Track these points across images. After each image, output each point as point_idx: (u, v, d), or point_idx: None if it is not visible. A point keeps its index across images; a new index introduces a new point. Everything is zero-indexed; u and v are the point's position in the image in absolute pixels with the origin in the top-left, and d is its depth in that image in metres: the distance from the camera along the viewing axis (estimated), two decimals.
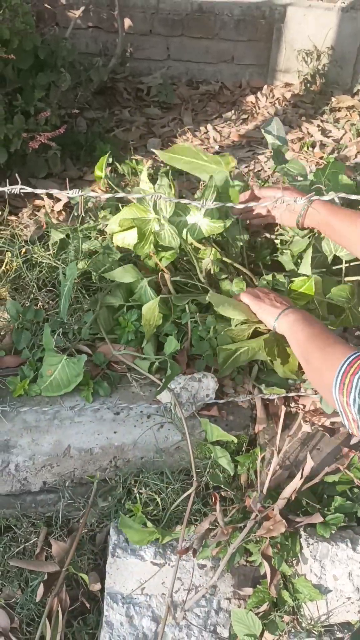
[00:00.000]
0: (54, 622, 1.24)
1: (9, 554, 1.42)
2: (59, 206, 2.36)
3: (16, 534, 1.46)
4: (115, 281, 1.66)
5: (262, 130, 1.93)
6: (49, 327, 1.54)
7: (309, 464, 1.34)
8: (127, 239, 1.70)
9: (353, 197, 1.32)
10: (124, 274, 1.64)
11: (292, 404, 1.56)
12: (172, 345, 1.53)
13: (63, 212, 2.33)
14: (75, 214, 2.10)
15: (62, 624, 1.24)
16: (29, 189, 1.09)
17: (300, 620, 1.34)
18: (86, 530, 1.46)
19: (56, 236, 1.90)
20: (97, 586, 1.34)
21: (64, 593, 1.26)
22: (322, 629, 1.31)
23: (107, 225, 1.98)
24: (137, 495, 1.45)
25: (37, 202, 2.39)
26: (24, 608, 1.37)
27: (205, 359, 1.56)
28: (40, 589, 1.28)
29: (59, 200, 2.40)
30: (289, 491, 1.33)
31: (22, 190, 1.06)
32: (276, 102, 3.13)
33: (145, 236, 1.58)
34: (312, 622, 1.32)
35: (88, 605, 1.35)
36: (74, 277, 1.59)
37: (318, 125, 2.96)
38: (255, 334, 1.50)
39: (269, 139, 1.89)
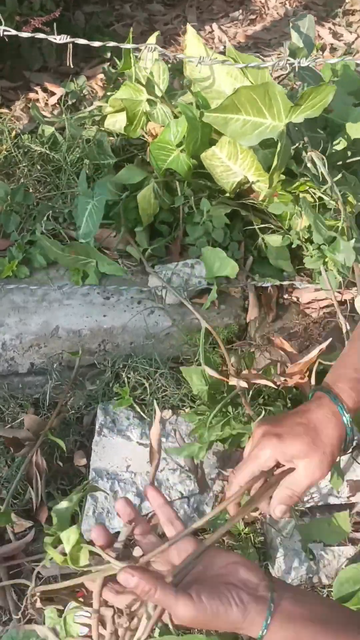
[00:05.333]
0: (35, 485, 1.27)
1: None
2: (53, 100, 2.26)
3: (3, 414, 1.46)
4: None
5: (290, 24, 1.76)
6: (85, 172, 1.53)
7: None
8: (119, 122, 1.62)
9: None
10: (131, 175, 1.56)
11: (286, 296, 1.54)
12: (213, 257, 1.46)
13: (57, 106, 2.24)
14: (70, 102, 2.01)
15: (41, 486, 1.26)
16: (13, 32, 1.01)
17: None
18: (73, 412, 1.46)
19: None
20: (83, 462, 1.35)
21: (39, 457, 1.28)
22: (305, 509, 1.33)
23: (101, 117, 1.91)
24: (126, 379, 1.44)
25: (31, 95, 2.29)
26: (11, 482, 1.38)
27: (199, 245, 1.52)
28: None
29: (53, 94, 2.30)
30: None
31: (5, 33, 0.98)
32: (287, 2, 2.95)
33: (135, 118, 1.51)
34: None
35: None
36: (103, 201, 1.50)
37: (329, 29, 2.81)
38: None
39: (293, 36, 1.72)
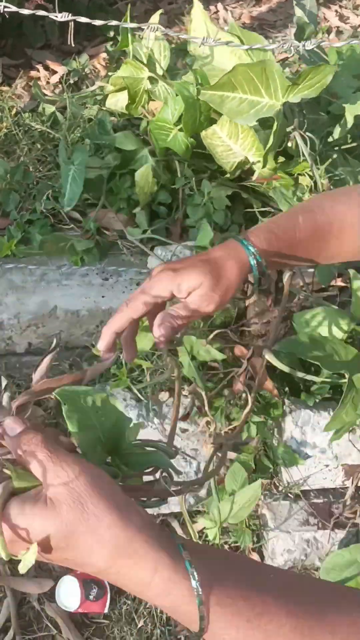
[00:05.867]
0: None
1: None
2: (55, 78, 2.23)
3: None
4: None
5: (294, 1, 1.74)
6: (63, 143, 1.52)
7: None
8: (121, 101, 1.60)
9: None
10: (125, 141, 1.55)
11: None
12: (207, 236, 1.39)
13: (59, 85, 2.21)
14: (72, 81, 1.99)
15: None
16: (14, 8, 0.99)
17: (278, 484, 1.36)
18: None
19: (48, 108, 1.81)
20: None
21: None
22: (299, 492, 1.33)
23: (103, 96, 1.88)
24: (123, 360, 1.44)
25: (33, 73, 2.26)
26: None
27: (199, 227, 1.50)
28: None
29: (55, 72, 2.27)
30: None
31: (6, 10, 0.97)
32: None
33: (137, 95, 1.49)
34: (289, 486, 1.34)
35: None
36: (84, 163, 1.48)
37: (336, 11, 2.77)
38: None
39: (297, 12, 1.70)
